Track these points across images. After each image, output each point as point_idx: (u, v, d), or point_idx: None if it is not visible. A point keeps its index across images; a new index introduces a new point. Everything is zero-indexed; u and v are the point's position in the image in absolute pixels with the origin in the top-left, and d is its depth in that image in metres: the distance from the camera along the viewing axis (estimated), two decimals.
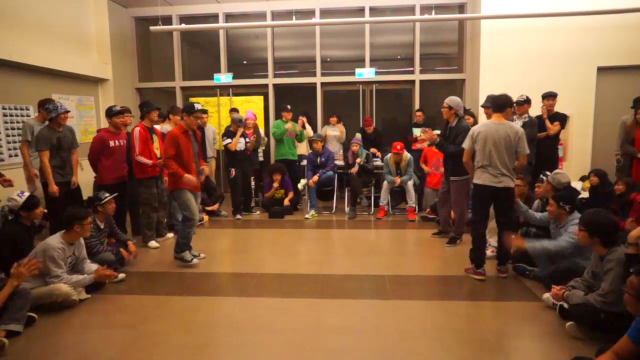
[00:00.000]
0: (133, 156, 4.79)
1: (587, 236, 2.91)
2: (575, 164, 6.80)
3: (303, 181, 6.75)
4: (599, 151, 6.84)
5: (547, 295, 3.21)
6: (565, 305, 2.92)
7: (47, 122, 4.54)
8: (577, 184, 6.09)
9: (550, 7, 6.51)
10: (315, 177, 6.47)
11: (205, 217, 6.19)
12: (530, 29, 6.74)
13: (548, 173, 4.32)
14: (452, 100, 4.71)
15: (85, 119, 7.03)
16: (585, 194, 5.50)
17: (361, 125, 7.40)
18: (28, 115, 5.74)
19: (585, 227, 2.92)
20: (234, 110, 7.05)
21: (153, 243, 4.99)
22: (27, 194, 3.73)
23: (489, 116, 4.56)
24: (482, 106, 4.74)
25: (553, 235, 3.73)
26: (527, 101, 5.32)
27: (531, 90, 5.65)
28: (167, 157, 4.10)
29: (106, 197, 4.14)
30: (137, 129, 4.82)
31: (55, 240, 3.37)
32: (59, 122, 4.47)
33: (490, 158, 3.68)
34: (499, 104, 3.81)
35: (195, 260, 4.31)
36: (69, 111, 4.63)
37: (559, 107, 5.67)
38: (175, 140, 4.11)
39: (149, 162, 4.80)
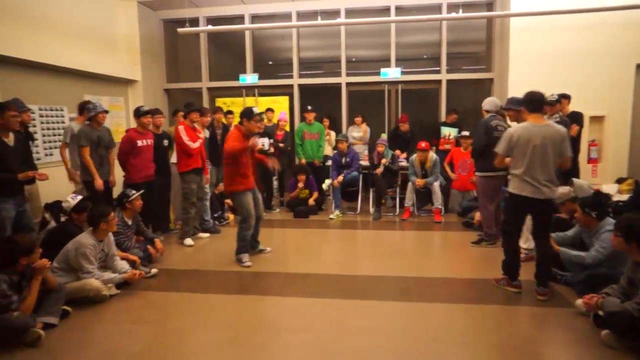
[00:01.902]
0: (184, 146, 4.94)
1: (623, 242, 2.80)
2: (611, 166, 6.53)
3: (328, 181, 6.75)
4: (637, 152, 6.56)
5: (579, 301, 3.08)
6: (600, 313, 2.80)
7: (87, 122, 4.72)
8: (612, 187, 5.88)
9: (584, 2, 6.27)
10: (340, 178, 6.45)
11: (231, 216, 6.27)
12: (563, 26, 6.52)
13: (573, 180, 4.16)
14: (484, 101, 4.87)
15: (115, 120, 7.22)
16: (621, 197, 5.29)
17: (394, 125, 7.30)
18: (62, 116, 5.96)
19: (622, 233, 2.81)
20: (269, 110, 7.14)
21: (189, 241, 5.08)
22: (79, 197, 3.94)
23: (511, 118, 4.40)
24: (504, 109, 4.56)
25: (587, 244, 3.57)
26: (559, 100, 5.17)
27: (563, 90, 5.47)
28: (230, 145, 4.15)
29: (134, 194, 4.26)
30: (181, 126, 5.03)
31: (86, 238, 3.48)
32: (98, 121, 4.64)
33: (531, 166, 3.27)
34: (536, 101, 3.35)
35: (248, 263, 4.34)
36: (107, 111, 4.80)
37: (593, 106, 5.48)
38: (239, 138, 4.20)
39: (196, 144, 5.00)
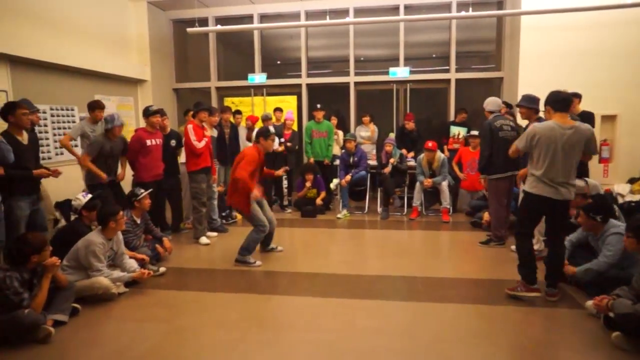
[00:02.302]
0: (191, 146, 4.97)
1: (636, 242, 2.76)
2: (623, 166, 6.43)
3: (335, 181, 6.74)
4: None
5: (590, 302, 3.04)
6: (611, 315, 2.76)
7: (100, 125, 4.83)
8: (624, 187, 5.80)
9: (596, 0, 6.18)
10: (348, 177, 6.44)
11: (239, 216, 6.29)
12: (574, 24, 6.44)
13: (587, 180, 4.10)
14: (485, 101, 4.80)
15: (125, 119, 7.27)
16: (633, 197, 5.22)
17: (400, 124, 7.27)
18: (73, 116, 6.02)
19: (634, 234, 2.77)
20: (277, 109, 7.14)
21: (204, 239, 5.11)
22: (89, 195, 3.97)
23: (523, 115, 4.34)
24: (517, 105, 4.48)
25: (594, 247, 3.52)
26: None
27: (574, 89, 5.38)
28: (243, 175, 4.14)
29: (142, 193, 4.29)
30: (190, 125, 5.06)
31: (96, 236, 3.51)
32: (113, 133, 4.69)
33: (551, 167, 3.14)
34: (561, 100, 3.20)
35: (258, 263, 4.34)
36: (124, 124, 4.83)
37: (605, 106, 5.41)
38: (255, 161, 4.26)
39: (201, 144, 5.00)
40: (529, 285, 3.33)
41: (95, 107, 4.97)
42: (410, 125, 6.94)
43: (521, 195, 3.58)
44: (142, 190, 4.33)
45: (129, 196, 4.34)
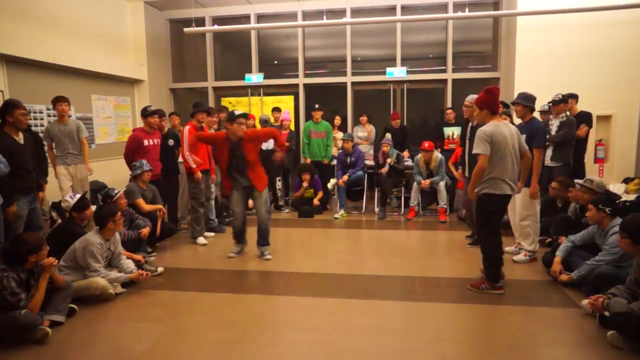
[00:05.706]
0: (182, 152, 4.97)
1: (631, 243, 2.77)
2: (618, 166, 6.49)
3: (333, 181, 6.75)
4: None
5: (585, 301, 3.06)
6: (607, 314, 2.79)
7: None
8: (619, 187, 5.84)
9: (591, 1, 6.21)
10: (345, 177, 6.45)
11: None
12: (569, 25, 6.48)
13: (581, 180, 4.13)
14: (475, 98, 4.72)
15: (121, 119, 7.27)
16: (628, 197, 5.26)
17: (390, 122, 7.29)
18: (69, 116, 5.98)
19: (628, 234, 2.78)
20: (276, 109, 7.13)
21: (201, 239, 5.09)
22: (78, 195, 3.93)
23: (518, 114, 4.32)
24: (513, 103, 4.47)
25: (600, 245, 3.53)
26: (563, 100, 5.13)
27: (570, 89, 5.44)
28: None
29: (117, 193, 4.22)
30: (187, 127, 5.03)
31: (94, 237, 3.51)
32: (143, 179, 4.71)
33: (506, 165, 3.32)
34: (495, 103, 3.44)
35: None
36: (152, 169, 4.83)
37: (600, 106, 5.45)
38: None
39: (193, 165, 4.92)
40: (495, 284, 3.50)
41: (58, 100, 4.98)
42: (396, 123, 7.00)
43: None
44: (117, 190, 4.27)
45: (105, 198, 4.26)
